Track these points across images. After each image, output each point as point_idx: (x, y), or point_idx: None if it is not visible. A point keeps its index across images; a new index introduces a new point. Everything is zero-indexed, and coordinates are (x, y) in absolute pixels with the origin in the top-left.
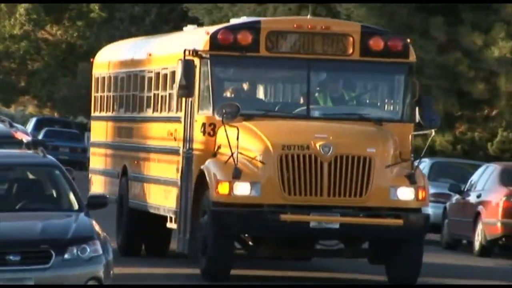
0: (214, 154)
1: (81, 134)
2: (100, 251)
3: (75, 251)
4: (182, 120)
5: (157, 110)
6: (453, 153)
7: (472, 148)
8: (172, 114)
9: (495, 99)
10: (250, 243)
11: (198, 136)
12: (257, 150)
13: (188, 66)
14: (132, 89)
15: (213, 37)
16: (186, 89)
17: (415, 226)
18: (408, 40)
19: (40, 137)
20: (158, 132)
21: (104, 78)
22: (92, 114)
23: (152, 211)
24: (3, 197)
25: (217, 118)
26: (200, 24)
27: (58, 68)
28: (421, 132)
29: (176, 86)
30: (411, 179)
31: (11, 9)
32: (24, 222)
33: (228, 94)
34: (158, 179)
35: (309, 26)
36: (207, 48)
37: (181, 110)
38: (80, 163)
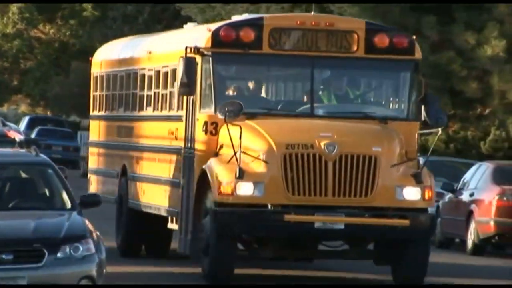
0: (216, 154)
1: (74, 133)
2: (93, 250)
3: (68, 250)
4: (184, 118)
5: (157, 109)
6: (446, 151)
7: (465, 146)
8: (173, 112)
9: (488, 98)
10: (253, 244)
11: (199, 135)
12: (260, 149)
13: (189, 64)
14: (132, 87)
15: (215, 34)
16: (188, 87)
17: (421, 227)
18: (414, 37)
19: (33, 135)
20: (159, 131)
21: (103, 77)
22: (91, 113)
23: (152, 211)
24: None
25: (219, 116)
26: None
27: (51, 66)
28: (427, 131)
29: (177, 84)
30: (418, 179)
31: (3, 8)
32: (17, 221)
33: (230, 92)
34: (158, 179)
35: (313, 23)
36: (209, 45)
37: (182, 109)
38: (73, 162)
